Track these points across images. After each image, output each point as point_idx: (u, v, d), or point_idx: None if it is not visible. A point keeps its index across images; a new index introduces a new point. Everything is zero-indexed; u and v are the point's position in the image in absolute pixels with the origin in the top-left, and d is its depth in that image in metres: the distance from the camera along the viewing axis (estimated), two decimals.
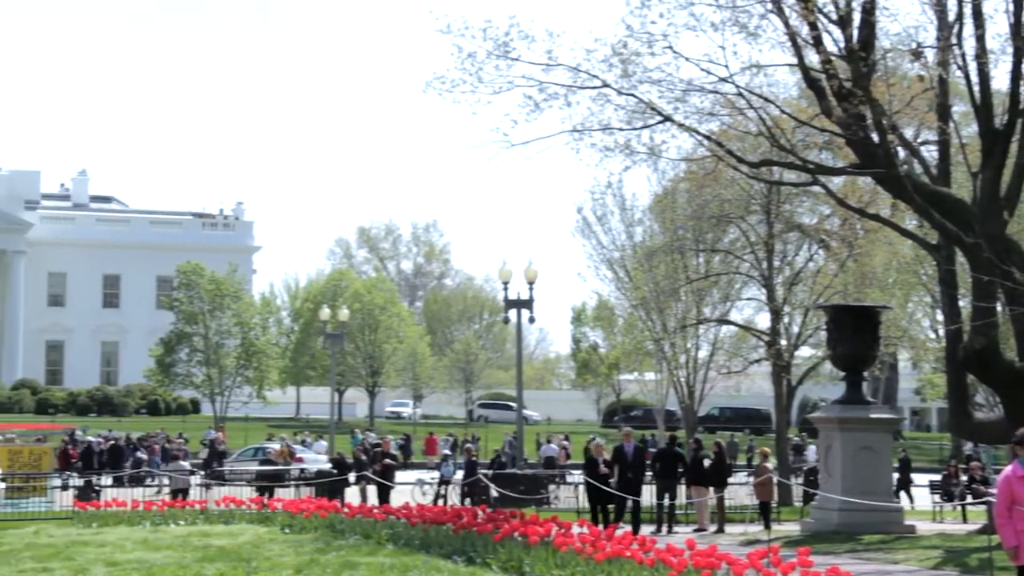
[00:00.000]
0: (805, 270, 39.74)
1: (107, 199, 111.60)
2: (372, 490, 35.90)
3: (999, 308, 25.24)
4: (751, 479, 32.18)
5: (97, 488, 37.73)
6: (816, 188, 31.23)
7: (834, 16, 22.82)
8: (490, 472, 39.64)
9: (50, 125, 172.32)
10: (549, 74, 23.90)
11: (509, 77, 23.93)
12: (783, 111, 25.85)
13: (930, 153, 28.40)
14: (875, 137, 23.25)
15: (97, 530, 24.65)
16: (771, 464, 31.75)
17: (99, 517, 27.00)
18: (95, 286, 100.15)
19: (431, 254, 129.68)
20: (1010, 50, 23.09)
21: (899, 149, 24.91)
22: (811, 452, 51.06)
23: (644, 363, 54.83)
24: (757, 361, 42.80)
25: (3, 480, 31.53)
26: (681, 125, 24.26)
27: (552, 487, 37.71)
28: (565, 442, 60.37)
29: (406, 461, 58.96)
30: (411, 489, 38.81)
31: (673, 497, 29.89)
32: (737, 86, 23.92)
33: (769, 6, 22.85)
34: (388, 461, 36.03)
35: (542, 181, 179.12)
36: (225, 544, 21.45)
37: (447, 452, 46.10)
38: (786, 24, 22.87)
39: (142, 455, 50.19)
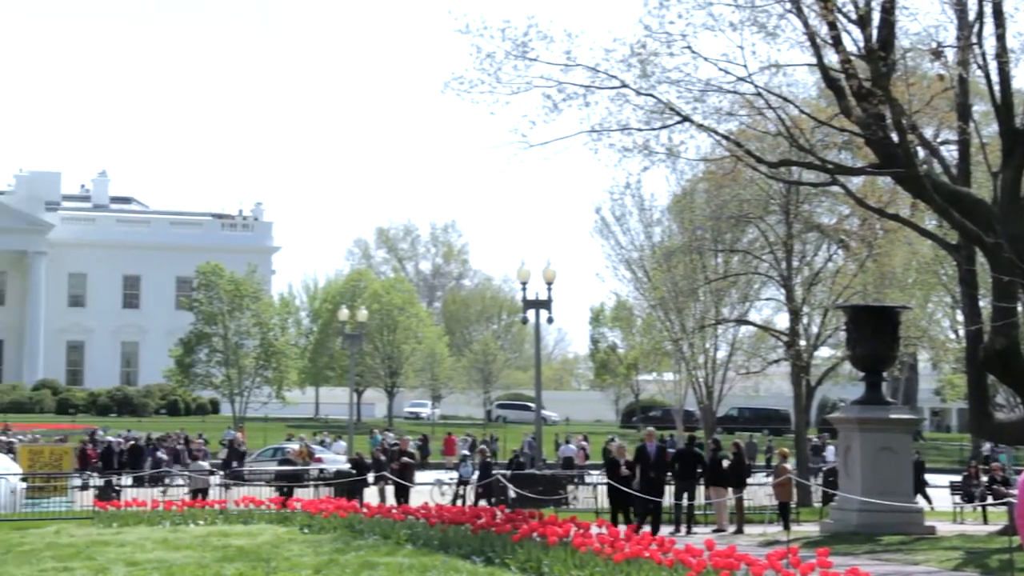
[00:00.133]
0: (824, 270, 39.62)
1: (127, 200, 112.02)
2: (390, 490, 35.96)
3: (1020, 308, 25.13)
4: (770, 480, 32.11)
5: (117, 488, 37.87)
6: (835, 188, 31.15)
7: (853, 16, 22.74)
8: (509, 472, 39.66)
9: (70, 126, 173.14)
10: (567, 74, 23.91)
11: (527, 77, 23.96)
12: (802, 111, 25.82)
13: (950, 153, 28.33)
14: (895, 137, 23.17)
15: (117, 530, 24.73)
16: (790, 465, 31.68)
17: (119, 517, 27.09)
18: (115, 287, 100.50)
19: (449, 254, 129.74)
20: None
21: (919, 149, 24.80)
22: (830, 452, 50.92)
23: (663, 363, 54.73)
24: (776, 361, 42.67)
25: (24, 480, 31.63)
26: (700, 125, 24.22)
27: (571, 487, 37.70)
28: (584, 443, 60.33)
29: (424, 461, 59.02)
30: (430, 489, 38.86)
31: (692, 497, 29.86)
32: (756, 86, 23.90)
33: (788, 6, 22.80)
34: (406, 460, 36.10)
35: (560, 181, 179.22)
36: (244, 544, 21.51)
37: (465, 452, 46.13)
38: (805, 24, 22.82)
39: (162, 455, 50.38)
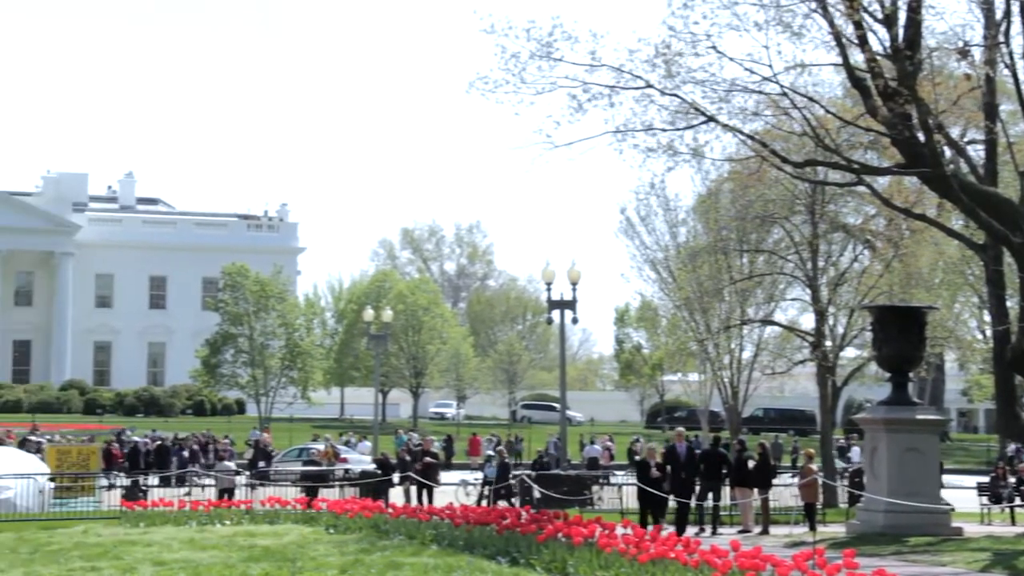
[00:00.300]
0: (850, 270, 39.48)
1: (153, 201, 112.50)
2: (413, 491, 36.02)
3: None
4: (796, 480, 32.02)
5: (144, 488, 38.03)
6: (861, 188, 31.04)
7: (879, 15, 22.67)
8: (533, 473, 39.65)
9: (98, 128, 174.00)
10: (592, 75, 23.93)
11: (552, 78, 23.98)
12: (828, 111, 25.74)
13: (977, 152, 28.21)
14: (921, 136, 23.08)
15: (144, 530, 24.86)
16: (816, 465, 31.58)
17: (146, 517, 27.23)
18: (142, 287, 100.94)
19: (474, 255, 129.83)
20: None
21: (945, 148, 24.71)
22: (855, 453, 50.75)
23: (688, 364, 54.66)
24: (802, 362, 42.54)
25: (52, 480, 31.81)
26: (725, 125, 24.19)
27: (596, 488, 37.67)
28: (610, 443, 60.31)
29: (448, 462, 59.09)
30: (455, 490, 38.89)
31: (717, 498, 29.80)
32: (781, 86, 23.85)
33: (813, 5, 22.75)
34: (429, 460, 36.13)
35: (585, 182, 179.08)
36: (270, 544, 21.59)
37: (490, 453, 46.14)
38: (831, 23, 22.76)
39: (186, 455, 50.53)
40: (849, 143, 27.05)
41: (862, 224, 39.17)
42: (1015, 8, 22.92)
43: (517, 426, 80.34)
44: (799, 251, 38.49)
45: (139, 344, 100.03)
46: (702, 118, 23.98)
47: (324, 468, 41.52)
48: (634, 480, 34.19)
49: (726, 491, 30.53)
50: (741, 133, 25.02)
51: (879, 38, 22.89)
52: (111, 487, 37.11)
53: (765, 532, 28.36)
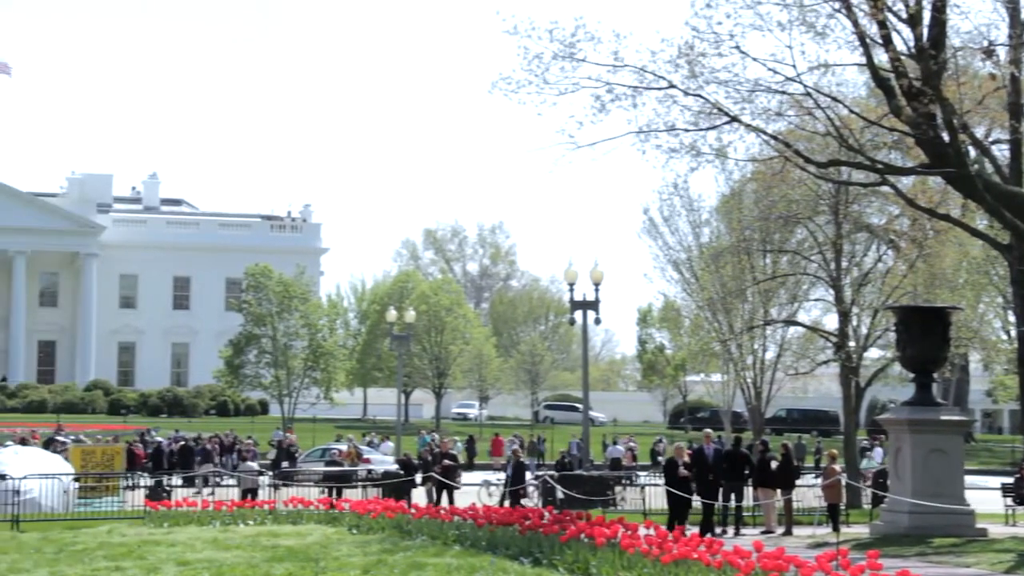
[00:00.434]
0: (874, 271, 39.34)
1: (177, 202, 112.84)
2: (434, 491, 36.04)
3: None
4: (819, 481, 31.91)
5: (167, 488, 38.15)
6: (885, 188, 30.94)
7: (904, 14, 22.59)
8: (556, 473, 39.62)
9: (122, 129, 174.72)
10: (615, 75, 23.92)
11: (575, 78, 23.98)
12: (851, 110, 25.66)
13: (1001, 152, 28.06)
14: (945, 136, 22.99)
15: (168, 530, 24.97)
16: (839, 466, 31.48)
17: (170, 517, 27.36)
18: (166, 288, 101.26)
19: (497, 255, 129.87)
20: None
21: (970, 148, 24.61)
22: (877, 454, 50.56)
23: (710, 364, 54.58)
24: (825, 362, 42.43)
25: (77, 480, 31.96)
26: (748, 126, 24.15)
27: (618, 488, 37.63)
28: (632, 443, 60.24)
29: (471, 462, 59.11)
30: (477, 490, 38.90)
31: (740, 499, 29.73)
32: (805, 86, 23.79)
33: (837, 5, 22.69)
34: (448, 462, 36.14)
35: (608, 182, 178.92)
36: (293, 544, 21.66)
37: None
38: (855, 23, 22.69)
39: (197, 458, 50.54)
40: (873, 143, 26.95)
41: (886, 224, 39.03)
42: None
43: (540, 426, 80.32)
44: (822, 251, 38.39)
45: (163, 345, 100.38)
46: (725, 118, 23.95)
47: (347, 468, 41.58)
48: (656, 481, 34.18)
49: (748, 491, 30.46)
50: (764, 133, 24.98)
51: (903, 38, 22.81)
52: (135, 487, 37.27)
53: (788, 533, 28.29)
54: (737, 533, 28.10)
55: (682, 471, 27.17)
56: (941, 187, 31.26)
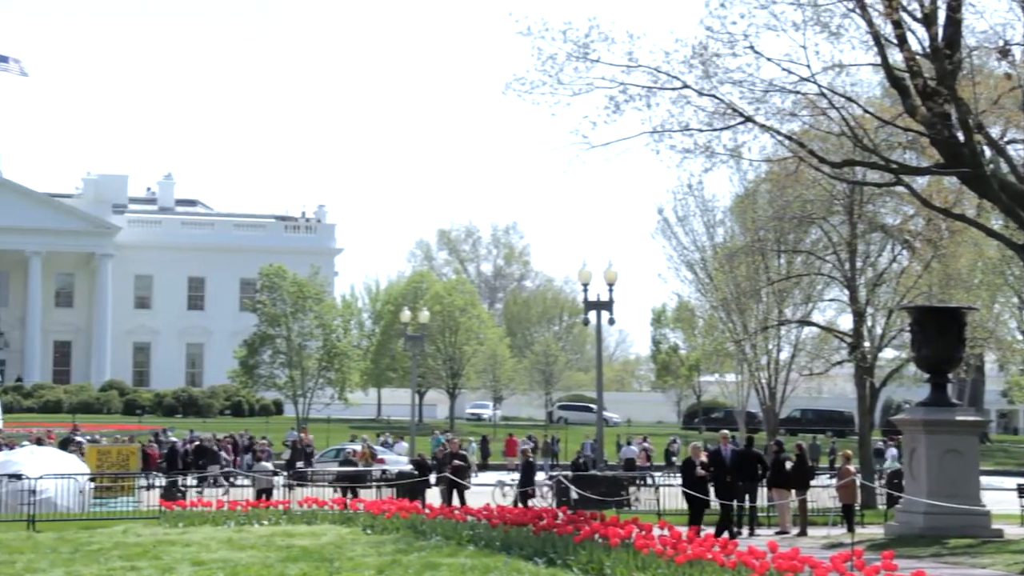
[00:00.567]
0: (889, 271, 39.25)
1: (192, 202, 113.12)
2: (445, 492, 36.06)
3: None
4: (833, 482, 31.85)
5: (182, 488, 38.24)
6: (900, 188, 30.87)
7: (918, 14, 22.54)
8: (570, 474, 39.63)
9: (137, 130, 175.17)
10: (629, 75, 23.92)
11: (589, 79, 23.99)
12: (866, 110, 25.63)
13: (1017, 152, 27.97)
14: (960, 136, 22.93)
15: (183, 530, 25.02)
16: (854, 466, 31.42)
17: (185, 517, 27.40)
18: (180, 289, 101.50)
19: (511, 256, 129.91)
20: None
21: (985, 148, 24.53)
22: (890, 454, 50.44)
23: (725, 365, 54.53)
24: (839, 363, 42.34)
25: (92, 480, 32.06)
26: (762, 126, 24.13)
27: (632, 489, 37.63)
28: (646, 444, 60.20)
29: (485, 463, 59.13)
30: (491, 490, 38.90)
31: (754, 499, 29.68)
32: (819, 86, 23.77)
33: (851, 5, 22.66)
34: (458, 462, 36.14)
35: (622, 182, 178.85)
36: (308, 544, 21.69)
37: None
38: (869, 23, 22.65)
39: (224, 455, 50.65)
40: (887, 143, 26.90)
41: (901, 224, 38.94)
42: None
43: (553, 427, 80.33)
44: (837, 251, 38.31)
45: (178, 345, 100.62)
46: (739, 119, 23.93)
47: (361, 469, 41.63)
48: (670, 481, 34.15)
49: (762, 492, 30.41)
50: (779, 133, 24.95)
51: (918, 37, 22.76)
52: (148, 487, 37.37)
53: (803, 533, 28.24)
54: (751, 533, 28.07)
55: (699, 471, 27.13)
56: (956, 187, 31.18)
